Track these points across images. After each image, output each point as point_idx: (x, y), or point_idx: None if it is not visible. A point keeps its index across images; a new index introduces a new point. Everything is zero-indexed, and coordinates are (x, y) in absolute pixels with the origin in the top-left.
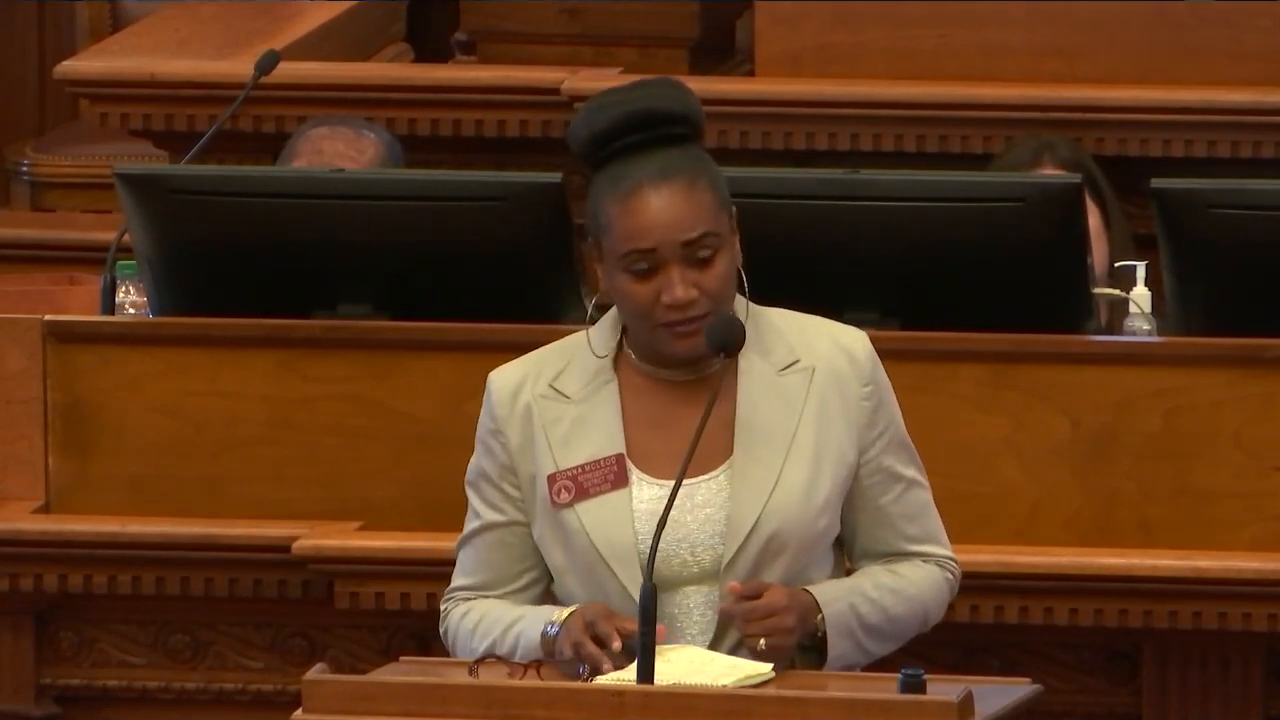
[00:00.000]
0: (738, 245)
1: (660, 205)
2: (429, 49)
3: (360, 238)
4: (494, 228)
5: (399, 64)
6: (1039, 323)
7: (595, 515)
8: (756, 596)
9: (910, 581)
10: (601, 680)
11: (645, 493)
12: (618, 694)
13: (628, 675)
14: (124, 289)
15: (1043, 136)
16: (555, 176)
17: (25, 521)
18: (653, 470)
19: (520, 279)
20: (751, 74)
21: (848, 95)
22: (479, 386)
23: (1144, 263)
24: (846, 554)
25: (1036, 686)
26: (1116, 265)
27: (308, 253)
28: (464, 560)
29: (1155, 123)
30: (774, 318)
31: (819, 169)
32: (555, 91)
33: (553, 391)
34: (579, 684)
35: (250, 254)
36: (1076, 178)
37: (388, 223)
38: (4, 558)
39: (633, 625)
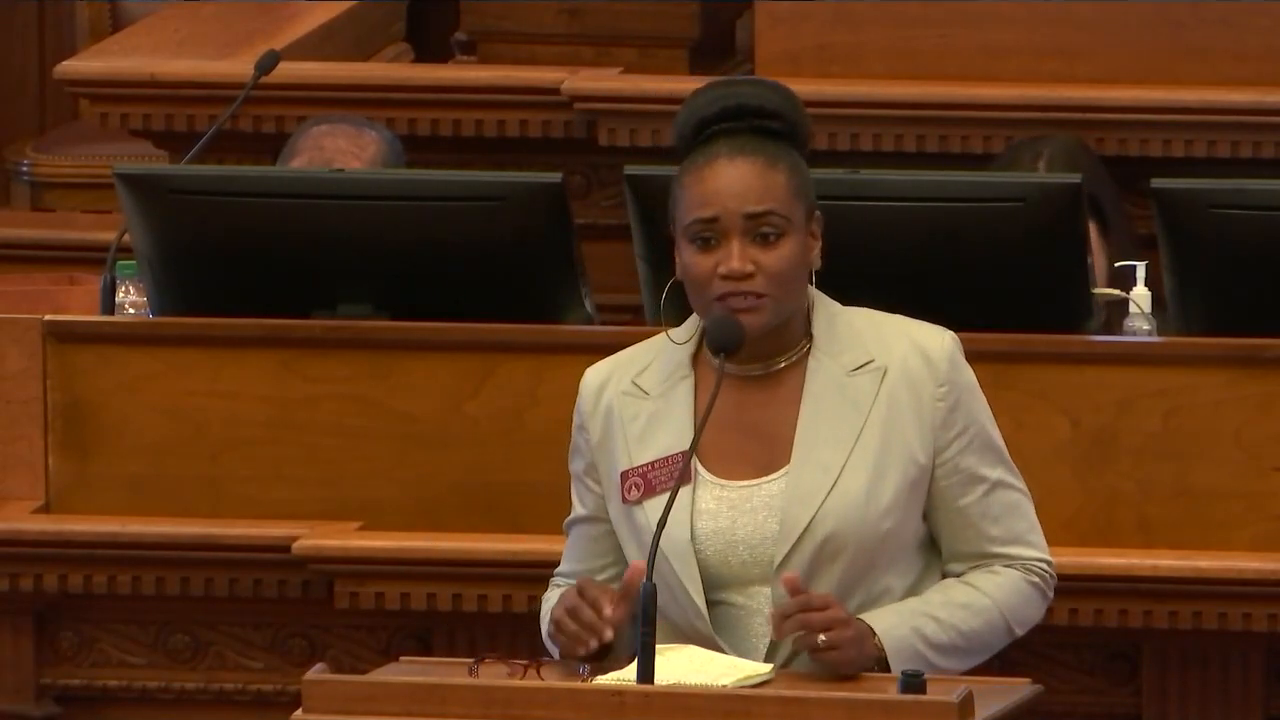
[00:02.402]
0: (817, 250)
1: (730, 176)
2: (429, 49)
3: (360, 238)
4: (494, 228)
5: (399, 64)
6: (1039, 323)
7: (659, 512)
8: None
9: (984, 593)
10: (601, 680)
11: (708, 492)
12: (618, 694)
13: (628, 675)
14: (124, 289)
15: (1039, 143)
16: (555, 176)
17: (25, 521)
18: (719, 470)
19: (520, 279)
20: (751, 74)
21: (848, 95)
22: (479, 386)
23: (1144, 263)
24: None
25: (1036, 686)
26: (1116, 265)
27: (308, 253)
28: (566, 545)
29: (1155, 123)
30: (854, 318)
31: (819, 169)
32: (555, 91)
33: (634, 387)
34: (579, 684)
35: (250, 254)
36: (1077, 178)
37: (388, 223)
38: (4, 558)
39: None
